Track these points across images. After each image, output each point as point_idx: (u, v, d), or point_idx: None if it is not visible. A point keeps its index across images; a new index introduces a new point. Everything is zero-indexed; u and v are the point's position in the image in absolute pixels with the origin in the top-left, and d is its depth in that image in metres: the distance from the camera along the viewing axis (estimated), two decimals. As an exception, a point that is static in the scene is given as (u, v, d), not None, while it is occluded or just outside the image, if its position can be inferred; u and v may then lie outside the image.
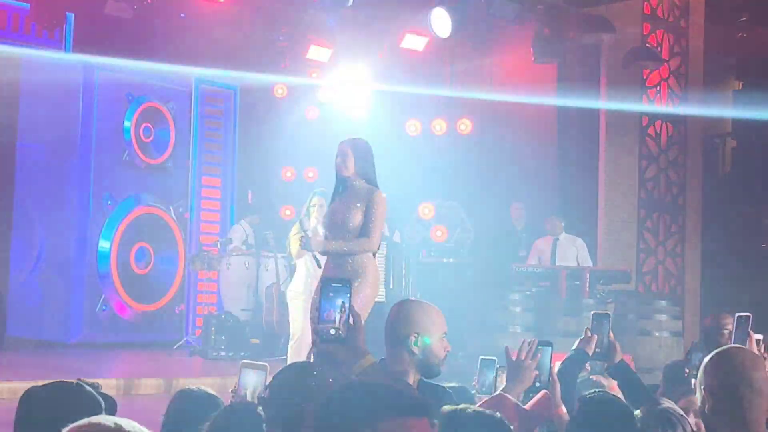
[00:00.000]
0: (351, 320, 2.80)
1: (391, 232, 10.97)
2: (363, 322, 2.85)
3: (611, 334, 3.94)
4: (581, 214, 12.06)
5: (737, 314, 4.27)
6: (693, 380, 4.13)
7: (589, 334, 3.95)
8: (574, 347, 4.03)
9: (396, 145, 13.38)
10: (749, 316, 4.20)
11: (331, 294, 2.82)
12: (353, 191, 6.42)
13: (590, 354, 3.98)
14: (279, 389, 2.94)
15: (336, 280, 2.86)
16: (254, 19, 11.96)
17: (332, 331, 2.80)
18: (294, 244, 8.54)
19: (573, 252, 11.58)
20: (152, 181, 12.95)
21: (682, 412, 3.38)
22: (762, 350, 4.53)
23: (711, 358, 2.97)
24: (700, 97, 13.07)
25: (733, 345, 3.79)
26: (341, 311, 2.81)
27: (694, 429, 3.29)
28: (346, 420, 2.08)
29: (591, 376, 4.48)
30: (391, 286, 10.69)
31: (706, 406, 2.86)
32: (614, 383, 4.15)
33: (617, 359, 3.91)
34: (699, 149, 13.15)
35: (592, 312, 4.19)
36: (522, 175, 12.60)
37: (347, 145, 6.46)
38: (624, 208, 12.31)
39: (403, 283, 10.89)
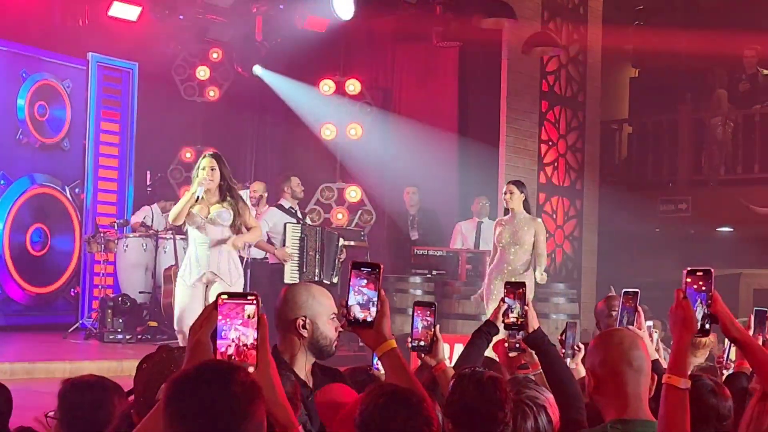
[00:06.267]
0: (379, 305, 2.81)
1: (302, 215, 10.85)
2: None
3: (528, 303, 3.82)
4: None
5: (624, 290, 4.21)
6: (568, 360, 4.14)
7: (504, 305, 3.85)
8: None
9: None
10: (637, 292, 4.16)
11: (361, 278, 2.80)
12: None
13: (499, 325, 3.90)
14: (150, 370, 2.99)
15: (367, 265, 2.82)
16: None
17: (360, 315, 2.81)
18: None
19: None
20: (47, 161, 12.64)
21: (548, 400, 3.26)
22: (651, 331, 4.58)
23: (594, 340, 3.05)
24: (597, 83, 13.30)
25: (616, 327, 3.81)
26: (370, 296, 2.81)
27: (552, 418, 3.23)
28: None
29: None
30: (304, 270, 10.34)
31: (591, 386, 2.93)
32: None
33: (531, 328, 3.79)
34: (597, 135, 13.38)
35: (505, 281, 4.17)
36: (421, 159, 12.63)
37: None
38: (524, 192, 12.41)
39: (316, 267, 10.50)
